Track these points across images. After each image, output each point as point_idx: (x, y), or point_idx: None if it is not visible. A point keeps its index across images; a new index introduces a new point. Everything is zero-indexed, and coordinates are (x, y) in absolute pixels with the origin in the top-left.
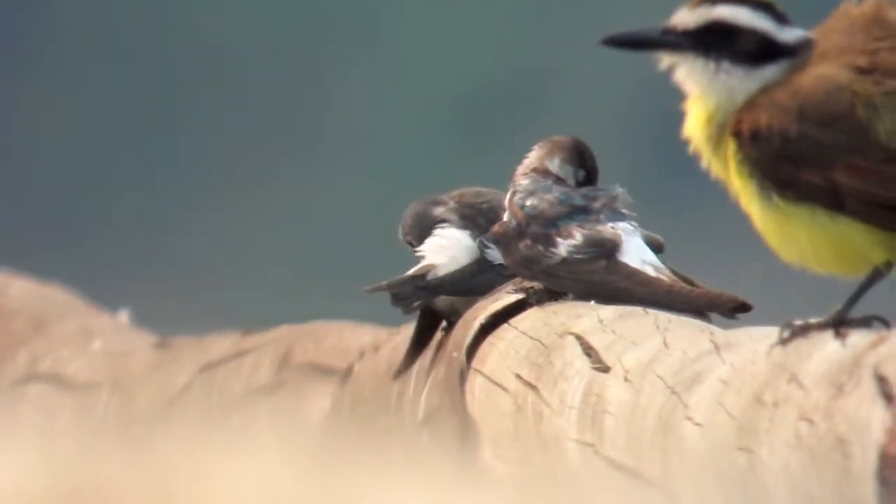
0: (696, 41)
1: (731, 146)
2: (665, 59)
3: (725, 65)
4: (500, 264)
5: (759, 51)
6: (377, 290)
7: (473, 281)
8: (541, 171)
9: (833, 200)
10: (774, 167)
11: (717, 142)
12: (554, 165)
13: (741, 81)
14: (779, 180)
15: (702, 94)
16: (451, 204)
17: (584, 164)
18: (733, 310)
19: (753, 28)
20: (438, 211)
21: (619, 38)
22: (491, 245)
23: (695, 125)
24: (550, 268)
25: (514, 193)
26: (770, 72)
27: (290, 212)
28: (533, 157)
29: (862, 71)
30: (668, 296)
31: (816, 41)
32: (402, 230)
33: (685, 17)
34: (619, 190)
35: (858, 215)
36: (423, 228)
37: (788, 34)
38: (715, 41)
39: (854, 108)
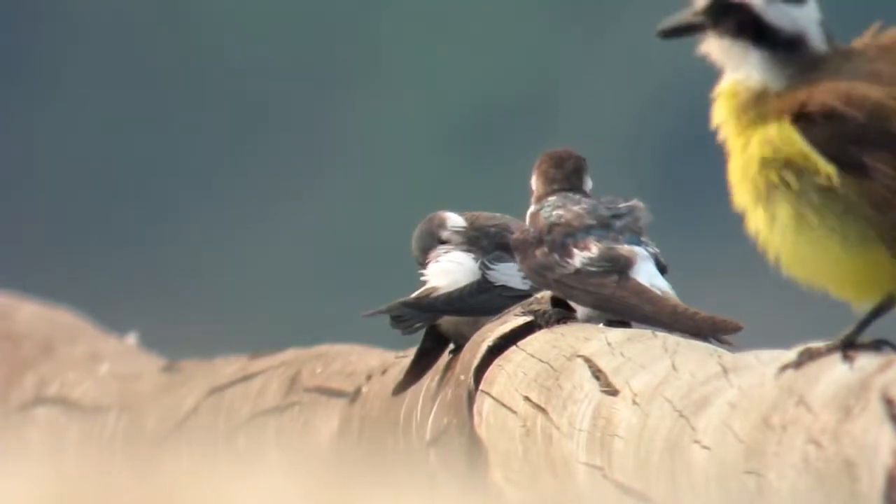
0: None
1: (778, 132)
2: (708, 43)
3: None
4: (502, 286)
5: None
6: (377, 314)
7: (472, 300)
8: (564, 188)
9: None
10: (840, 148)
11: (748, 127)
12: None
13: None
14: (844, 162)
15: (754, 73)
16: (459, 227)
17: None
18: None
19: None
20: (444, 234)
21: (668, 30)
22: (493, 266)
23: (730, 105)
24: (564, 277)
25: (541, 208)
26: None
27: (297, 235)
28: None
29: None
30: (672, 316)
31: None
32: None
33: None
34: (639, 205)
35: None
36: (427, 248)
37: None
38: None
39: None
